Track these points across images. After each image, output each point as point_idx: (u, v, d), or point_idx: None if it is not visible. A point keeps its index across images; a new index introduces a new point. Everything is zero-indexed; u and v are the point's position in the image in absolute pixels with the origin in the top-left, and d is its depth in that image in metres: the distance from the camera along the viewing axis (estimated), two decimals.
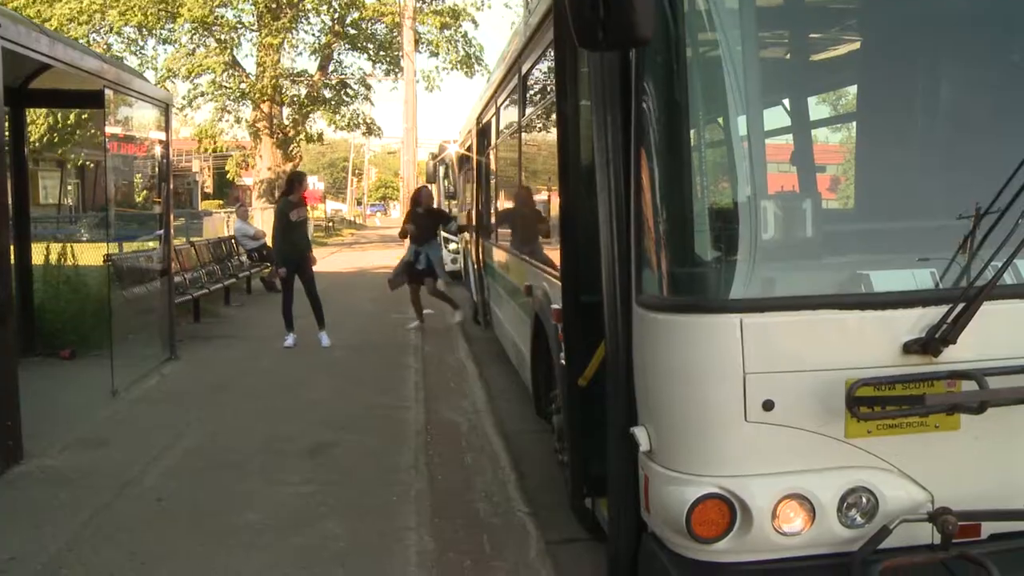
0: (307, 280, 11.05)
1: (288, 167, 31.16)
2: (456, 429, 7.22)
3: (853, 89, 4.61)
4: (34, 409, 6.60)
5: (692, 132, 3.29)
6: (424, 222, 12.43)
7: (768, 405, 3.10)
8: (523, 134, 7.07)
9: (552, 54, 4.94)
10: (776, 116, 4.43)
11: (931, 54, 3.90)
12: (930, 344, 3.07)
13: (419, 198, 12.84)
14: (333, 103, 32.26)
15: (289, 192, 11.21)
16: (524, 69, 6.79)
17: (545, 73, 6.08)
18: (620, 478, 3.59)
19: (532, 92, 6.78)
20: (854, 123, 4.51)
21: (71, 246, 12.48)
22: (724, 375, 3.11)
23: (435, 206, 13.48)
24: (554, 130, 4.74)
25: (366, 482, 5.83)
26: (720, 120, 3.37)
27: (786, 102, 4.53)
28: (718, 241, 3.25)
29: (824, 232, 3.56)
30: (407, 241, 12.78)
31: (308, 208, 11.64)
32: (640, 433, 3.39)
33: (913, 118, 3.95)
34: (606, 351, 3.59)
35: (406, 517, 5.23)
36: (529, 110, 6.84)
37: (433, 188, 22.83)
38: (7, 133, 7.81)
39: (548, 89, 5.83)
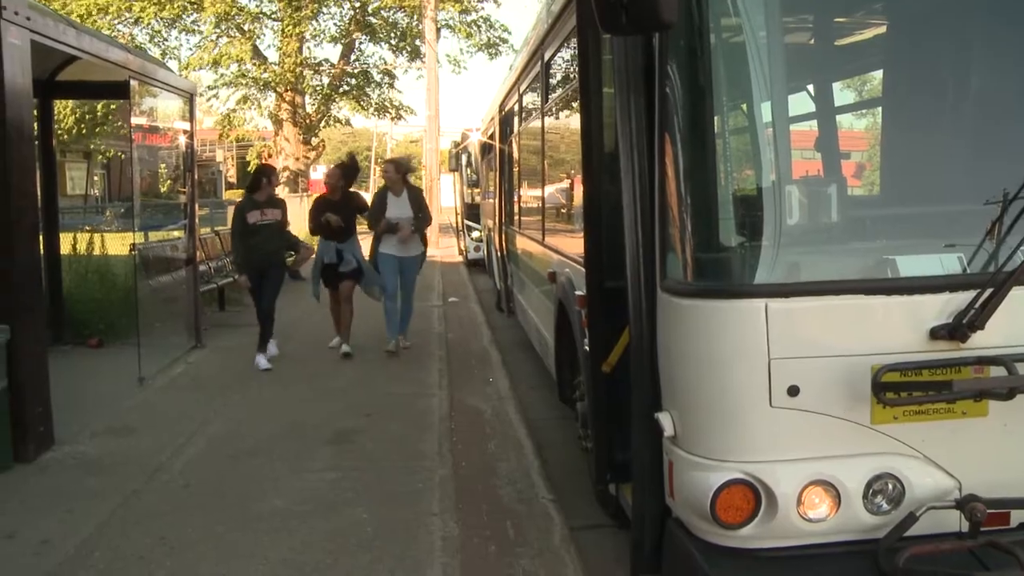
0: (270, 289, 9.18)
1: (311, 156, 31.25)
2: (480, 416, 7.24)
3: (879, 74, 4.57)
4: (64, 397, 6.68)
5: (716, 117, 3.27)
6: (341, 213, 9.64)
7: (793, 391, 3.09)
8: (546, 121, 7.05)
9: (575, 40, 4.93)
10: (801, 101, 4.40)
11: (958, 37, 3.85)
12: (957, 330, 3.05)
13: (331, 180, 10.01)
14: (355, 93, 32.23)
15: (254, 189, 9.29)
16: (547, 56, 6.78)
17: (568, 59, 6.06)
18: (644, 464, 3.59)
19: (555, 79, 6.77)
20: (880, 108, 4.47)
21: (98, 236, 12.61)
22: (749, 360, 3.10)
23: (351, 189, 10.32)
24: (577, 117, 4.73)
25: (391, 469, 5.86)
26: (744, 105, 3.35)
27: (811, 87, 4.50)
28: (742, 226, 3.23)
29: (849, 217, 3.55)
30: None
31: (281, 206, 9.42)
32: (664, 418, 3.39)
33: (940, 102, 3.91)
34: (630, 337, 3.59)
35: (430, 503, 5.25)
36: (552, 97, 6.82)
37: (456, 177, 22.93)
38: (35, 125, 7.88)
39: (571, 75, 5.81)
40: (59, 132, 23.77)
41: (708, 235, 3.28)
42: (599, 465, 4.64)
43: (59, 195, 11.33)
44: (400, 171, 9.77)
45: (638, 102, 3.45)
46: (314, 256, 9.96)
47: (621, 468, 4.34)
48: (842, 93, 4.76)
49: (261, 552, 4.59)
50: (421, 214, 9.68)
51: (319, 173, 31.97)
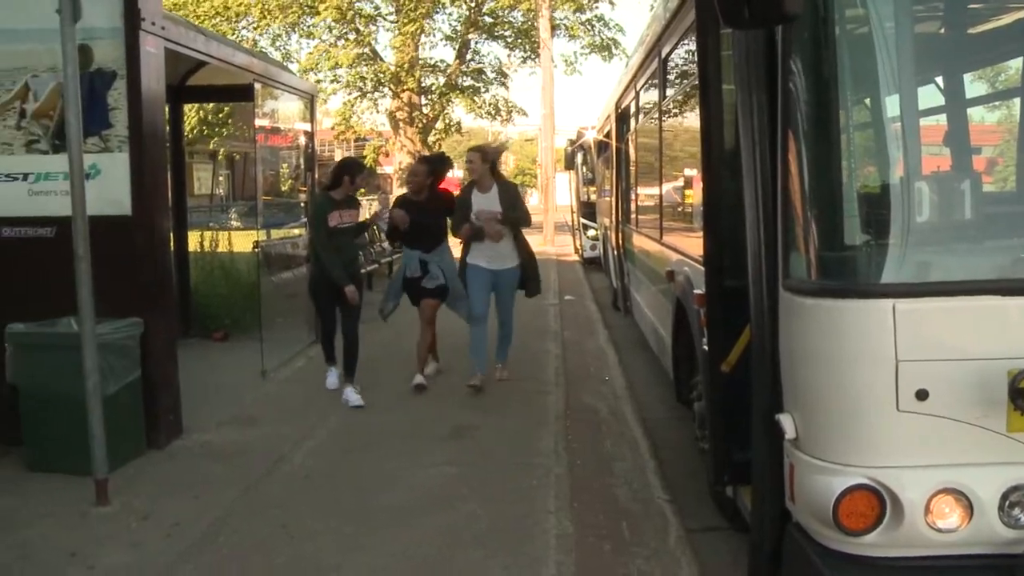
0: (349, 310, 7.72)
1: (428, 153, 31.67)
2: (596, 414, 7.21)
3: (1016, 63, 4.36)
4: (191, 388, 6.94)
5: (841, 112, 3.17)
6: (423, 217, 7.84)
7: (922, 395, 2.97)
8: (664, 118, 6.98)
9: (693, 36, 4.88)
10: (930, 94, 4.24)
11: None
12: None
13: (416, 177, 8.08)
14: (470, 91, 32.51)
15: (334, 185, 7.73)
16: (664, 52, 6.71)
17: (686, 56, 5.98)
18: (764, 466, 3.51)
19: (673, 75, 6.69)
20: (1017, 99, 4.28)
21: (223, 233, 13.05)
22: (875, 362, 3.00)
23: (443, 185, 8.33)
24: (696, 114, 4.67)
25: (506, 465, 5.90)
26: (871, 99, 3.25)
27: (940, 79, 4.33)
28: (869, 223, 3.13)
29: (983, 215, 3.39)
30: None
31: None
32: (786, 420, 3.31)
33: None
34: (751, 336, 3.52)
35: (546, 501, 5.26)
36: (670, 94, 6.75)
37: (571, 175, 22.91)
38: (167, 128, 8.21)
39: (689, 72, 5.74)
40: (186, 134, 24.77)
41: (833, 233, 3.18)
42: (716, 467, 4.58)
43: (187, 194, 11.78)
44: (488, 160, 7.91)
45: (760, 98, 3.38)
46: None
47: (739, 470, 4.25)
48: (973, 85, 4.57)
49: (378, 544, 4.68)
50: (516, 213, 7.90)
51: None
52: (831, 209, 3.18)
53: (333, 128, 32.47)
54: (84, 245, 5.12)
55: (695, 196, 5.63)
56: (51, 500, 5.32)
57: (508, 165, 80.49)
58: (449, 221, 8.03)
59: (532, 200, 71.46)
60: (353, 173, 7.72)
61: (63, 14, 4.96)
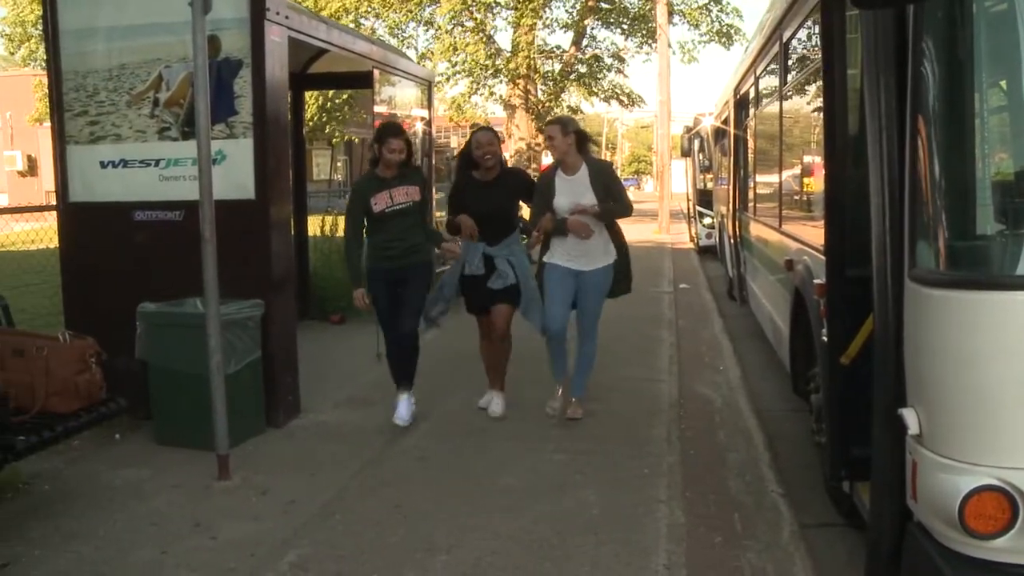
0: (411, 303, 6.38)
1: (541, 140, 31.64)
2: (710, 404, 7.12)
3: None
4: (309, 369, 7.13)
5: (976, 95, 3.03)
6: (490, 201, 6.37)
7: None
8: (784, 104, 6.83)
9: (817, 18, 4.75)
10: None
11: None
12: None
13: (479, 147, 6.32)
14: (587, 79, 32.35)
15: (376, 159, 6.35)
16: (785, 36, 6.55)
17: (809, 39, 5.83)
18: (884, 462, 3.39)
19: (794, 60, 6.53)
20: None
21: (341, 218, 13.32)
22: (1008, 357, 2.86)
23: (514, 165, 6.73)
24: (818, 99, 4.55)
25: (619, 453, 5.87)
26: (1009, 80, 3.10)
27: None
28: (1004, 212, 2.99)
29: None
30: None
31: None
32: (909, 415, 3.18)
33: None
34: (874, 328, 3.41)
35: (657, 489, 5.22)
36: (791, 79, 6.59)
37: (687, 162, 22.63)
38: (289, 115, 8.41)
39: (812, 56, 5.60)
40: (307, 120, 25.31)
41: (965, 221, 3.05)
42: (833, 461, 4.46)
43: (307, 180, 12.07)
44: (569, 132, 6.26)
45: (888, 81, 3.26)
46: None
47: (857, 465, 4.13)
48: None
49: (491, 527, 4.71)
50: (615, 203, 6.32)
51: (550, 157, 32.35)
52: (963, 197, 3.04)
53: (447, 110, 32.69)
54: (210, 228, 5.30)
55: (816, 183, 5.49)
56: (177, 473, 5.55)
57: (623, 152, 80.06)
58: (524, 209, 6.77)
59: (647, 187, 70.86)
60: (379, 140, 6.26)
61: (194, 6, 5.13)
